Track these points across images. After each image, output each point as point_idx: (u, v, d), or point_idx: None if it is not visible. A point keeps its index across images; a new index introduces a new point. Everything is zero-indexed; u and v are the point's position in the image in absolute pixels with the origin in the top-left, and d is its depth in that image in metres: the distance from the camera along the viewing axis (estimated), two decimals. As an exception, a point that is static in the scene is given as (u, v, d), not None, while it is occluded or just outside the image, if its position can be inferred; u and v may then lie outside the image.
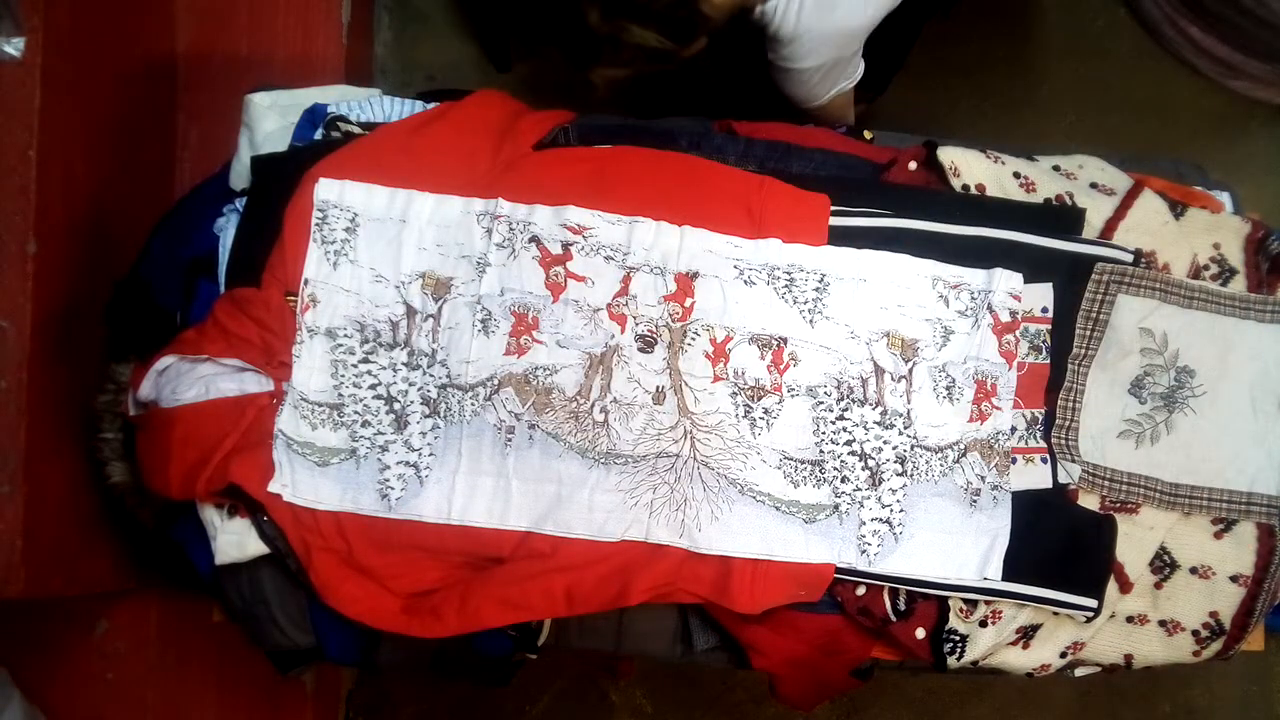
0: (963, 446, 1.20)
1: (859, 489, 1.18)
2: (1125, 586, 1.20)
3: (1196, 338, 1.26)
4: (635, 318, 1.20)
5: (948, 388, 1.21)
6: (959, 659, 1.18)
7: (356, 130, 1.27)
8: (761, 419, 1.19)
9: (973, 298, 1.23)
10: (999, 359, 1.22)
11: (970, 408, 1.21)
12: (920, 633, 1.18)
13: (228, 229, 1.23)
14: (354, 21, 1.84)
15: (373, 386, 1.19)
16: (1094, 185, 1.31)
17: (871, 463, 1.19)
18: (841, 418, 1.20)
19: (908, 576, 1.17)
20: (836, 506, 1.18)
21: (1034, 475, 1.22)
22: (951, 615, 1.18)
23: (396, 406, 1.18)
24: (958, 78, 2.12)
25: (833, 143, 1.33)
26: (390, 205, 1.22)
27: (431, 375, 1.19)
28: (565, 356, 1.19)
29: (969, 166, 1.28)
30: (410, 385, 1.19)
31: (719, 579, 1.15)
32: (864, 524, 1.17)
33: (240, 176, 1.26)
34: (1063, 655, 1.20)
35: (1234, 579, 1.22)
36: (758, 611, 1.14)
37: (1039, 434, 1.23)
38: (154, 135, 1.61)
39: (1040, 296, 1.24)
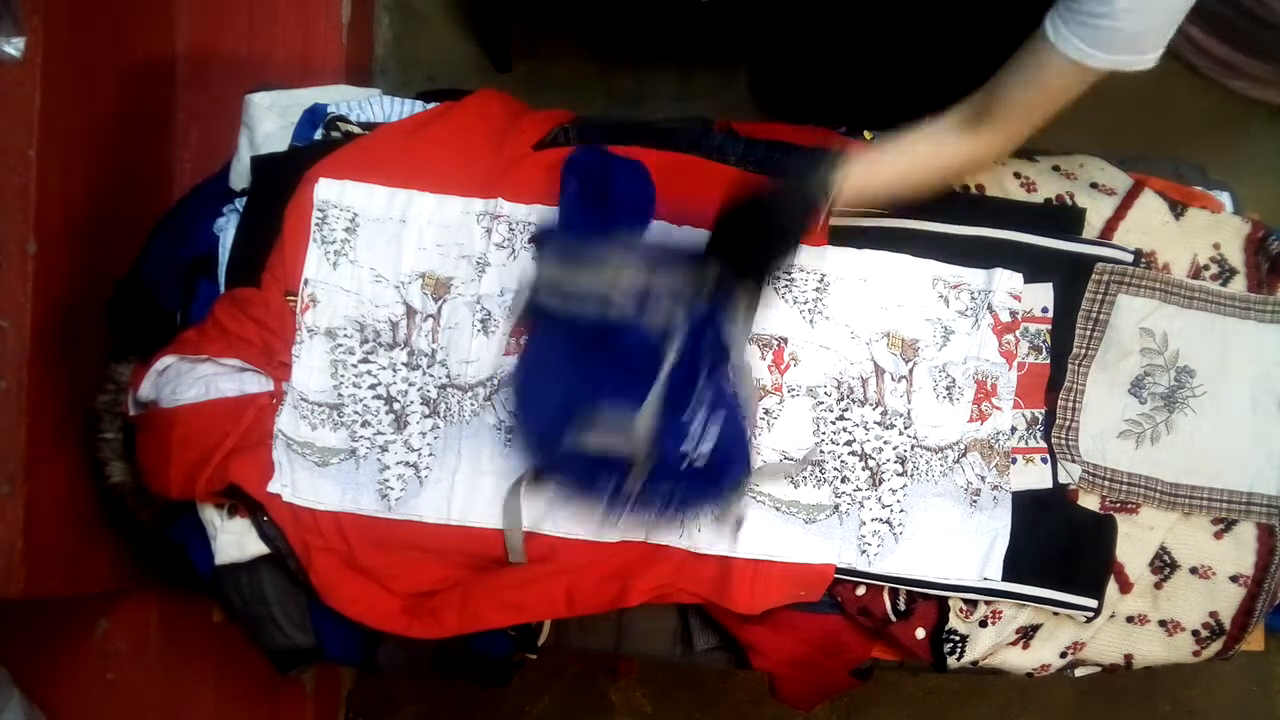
0: (963, 446, 1.20)
1: (859, 489, 1.18)
2: (1125, 586, 1.20)
3: (1197, 338, 1.26)
4: (635, 318, 1.20)
5: (948, 388, 1.21)
6: (959, 659, 1.18)
7: (356, 130, 1.27)
8: (762, 419, 1.19)
9: (973, 298, 1.23)
10: (999, 359, 1.22)
11: (970, 408, 1.21)
12: (920, 633, 1.18)
13: (228, 229, 1.23)
14: (354, 21, 1.84)
15: (372, 386, 1.19)
16: (1094, 185, 1.31)
17: (872, 463, 1.19)
18: (842, 418, 1.20)
19: (908, 576, 1.17)
20: (837, 507, 1.18)
21: (1034, 475, 1.22)
22: (951, 615, 1.18)
23: (396, 406, 1.18)
24: (958, 78, 2.11)
25: (833, 143, 1.33)
26: (390, 205, 1.22)
27: (431, 375, 1.19)
28: (565, 356, 1.18)
29: (969, 166, 1.28)
30: (410, 385, 1.19)
31: (719, 579, 1.15)
32: (864, 524, 1.17)
33: (240, 176, 1.26)
34: (1063, 655, 1.20)
35: (1234, 579, 1.22)
36: (757, 612, 1.14)
37: (1039, 434, 1.23)
38: (154, 135, 1.61)
39: (1040, 296, 1.24)
